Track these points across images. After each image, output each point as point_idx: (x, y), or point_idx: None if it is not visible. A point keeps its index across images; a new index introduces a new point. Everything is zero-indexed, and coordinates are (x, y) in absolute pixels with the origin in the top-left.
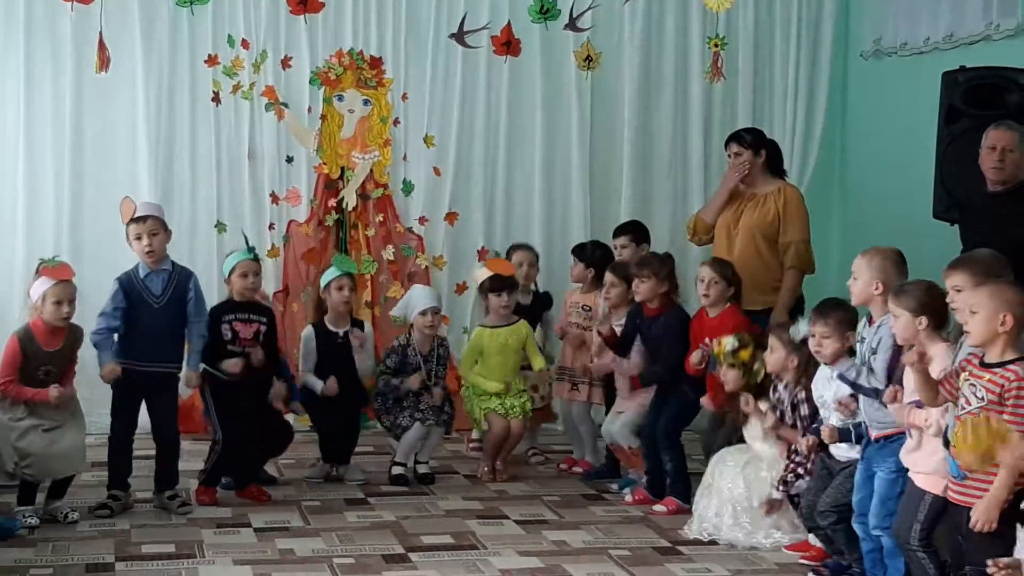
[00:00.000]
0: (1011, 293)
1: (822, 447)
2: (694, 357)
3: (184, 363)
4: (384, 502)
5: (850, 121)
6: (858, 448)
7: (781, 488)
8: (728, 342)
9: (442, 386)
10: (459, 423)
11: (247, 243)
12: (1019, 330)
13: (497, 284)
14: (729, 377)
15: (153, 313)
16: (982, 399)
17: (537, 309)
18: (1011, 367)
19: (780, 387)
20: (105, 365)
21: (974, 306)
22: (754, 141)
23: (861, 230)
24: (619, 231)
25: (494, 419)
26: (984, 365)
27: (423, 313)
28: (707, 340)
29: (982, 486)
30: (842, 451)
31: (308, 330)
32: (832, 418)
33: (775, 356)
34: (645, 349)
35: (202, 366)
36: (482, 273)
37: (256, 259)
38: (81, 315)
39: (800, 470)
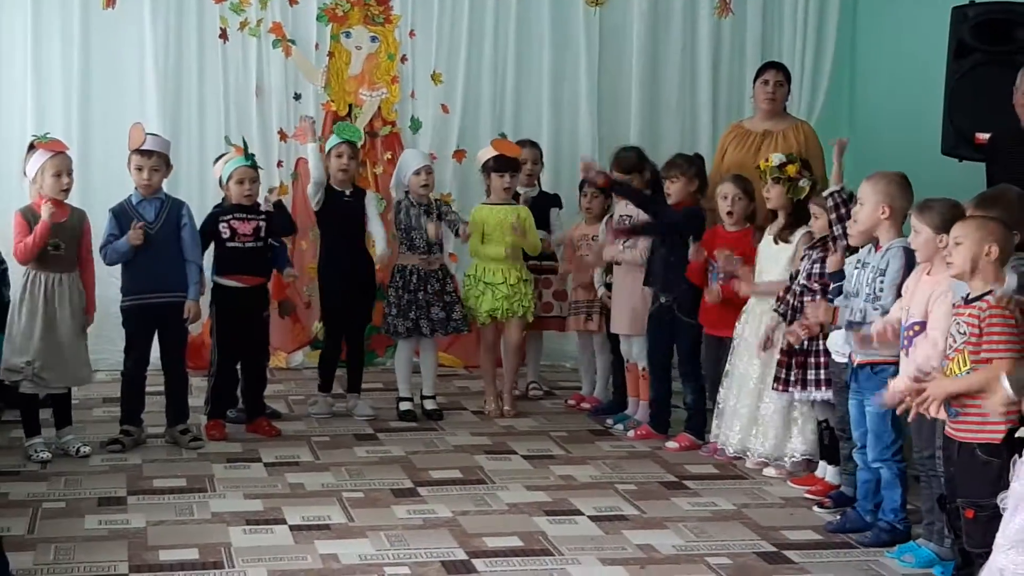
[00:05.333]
0: (995, 225)
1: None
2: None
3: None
4: (393, 438)
5: (859, 56)
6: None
7: (775, 386)
8: (775, 158)
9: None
10: (469, 358)
11: (246, 149)
12: (1002, 263)
13: (501, 164)
14: (773, 193)
15: (148, 239)
16: (964, 334)
17: (544, 205)
18: (986, 297)
19: (812, 255)
20: (129, 236)
21: (959, 237)
22: (788, 74)
23: (870, 165)
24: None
25: (484, 330)
26: (967, 301)
27: (416, 173)
28: (715, 252)
29: (975, 421)
30: (838, 346)
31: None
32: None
33: (820, 223)
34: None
35: (212, 279)
36: (487, 152)
37: (254, 166)
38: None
39: (793, 373)
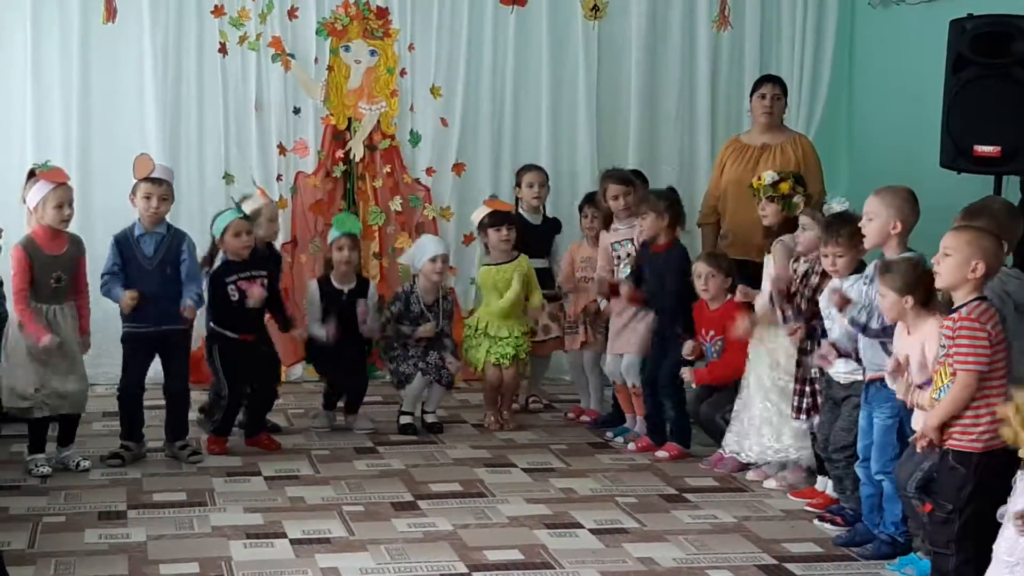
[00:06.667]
0: (988, 241)
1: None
2: (686, 348)
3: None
4: (393, 451)
5: (858, 69)
6: (856, 367)
7: (793, 415)
8: (768, 176)
9: (451, 348)
10: (468, 373)
11: (237, 206)
12: (987, 279)
13: (496, 219)
14: (768, 211)
15: (145, 274)
16: (943, 347)
17: (547, 232)
18: (960, 309)
19: (799, 264)
20: (122, 298)
21: (949, 249)
22: (785, 87)
23: (869, 178)
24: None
25: (489, 368)
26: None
27: (432, 260)
28: (703, 332)
29: (956, 430)
30: (840, 371)
31: (312, 284)
32: (834, 331)
33: (807, 235)
34: (650, 281)
35: (211, 325)
36: (480, 212)
37: (246, 217)
38: (92, 272)
39: (806, 401)
